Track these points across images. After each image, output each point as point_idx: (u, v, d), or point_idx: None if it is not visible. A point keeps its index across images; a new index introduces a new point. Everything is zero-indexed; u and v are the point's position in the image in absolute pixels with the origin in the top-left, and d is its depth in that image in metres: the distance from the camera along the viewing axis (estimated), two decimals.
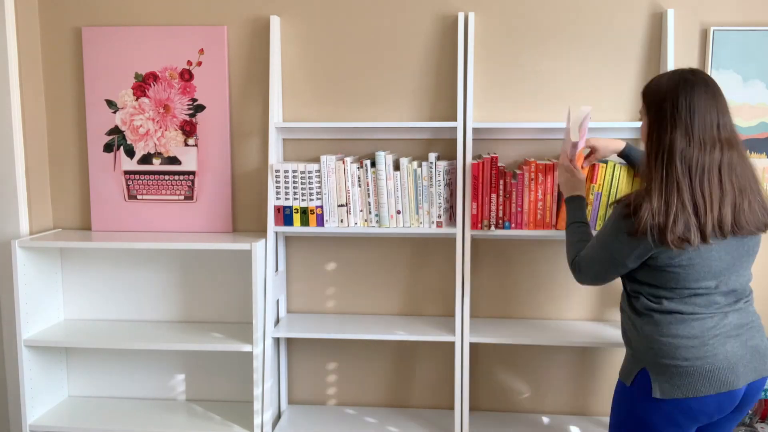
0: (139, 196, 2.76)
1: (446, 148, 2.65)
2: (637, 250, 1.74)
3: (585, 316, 2.71)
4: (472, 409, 2.75)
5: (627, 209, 1.74)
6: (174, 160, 2.73)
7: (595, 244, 1.88)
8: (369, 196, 2.50)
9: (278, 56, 2.62)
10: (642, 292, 1.82)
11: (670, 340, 1.74)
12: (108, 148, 2.75)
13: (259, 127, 2.70)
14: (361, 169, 2.49)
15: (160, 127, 2.71)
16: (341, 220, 2.52)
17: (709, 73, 2.50)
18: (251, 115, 2.70)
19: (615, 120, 2.59)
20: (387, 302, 2.78)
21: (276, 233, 2.65)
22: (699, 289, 1.75)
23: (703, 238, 1.68)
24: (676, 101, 1.71)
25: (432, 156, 2.47)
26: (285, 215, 2.54)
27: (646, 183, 1.75)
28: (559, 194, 2.39)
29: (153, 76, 2.69)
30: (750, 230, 1.74)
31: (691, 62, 2.54)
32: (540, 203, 2.43)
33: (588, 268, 1.90)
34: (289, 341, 2.83)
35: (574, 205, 2.10)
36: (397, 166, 2.49)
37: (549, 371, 2.76)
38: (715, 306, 1.76)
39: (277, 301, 2.72)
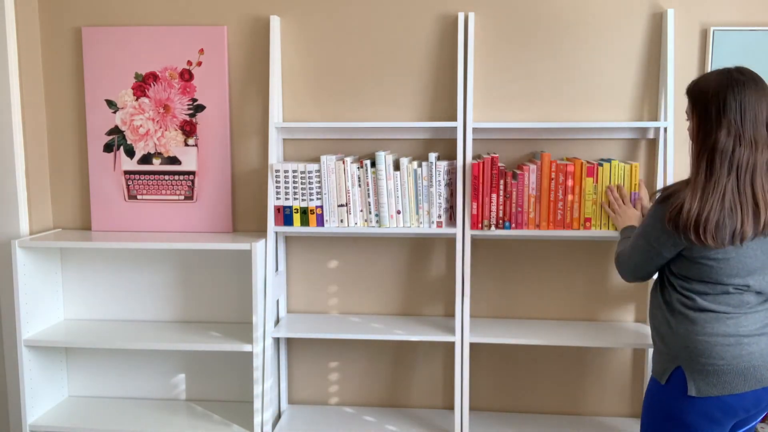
0: (139, 196, 2.76)
1: (446, 148, 2.65)
2: (672, 238, 1.76)
3: (585, 316, 2.71)
4: (472, 409, 2.75)
5: (665, 193, 1.78)
6: (174, 160, 2.73)
7: (635, 236, 1.91)
8: (369, 196, 2.50)
9: (278, 56, 2.62)
10: (675, 286, 1.83)
11: (706, 339, 1.75)
12: (108, 148, 2.75)
13: (259, 127, 2.70)
14: (361, 169, 2.49)
15: (160, 127, 2.71)
16: (341, 220, 2.52)
17: None
18: (251, 115, 2.70)
19: (615, 120, 2.59)
20: (387, 302, 2.78)
21: (276, 233, 2.64)
22: (731, 287, 1.76)
23: (741, 239, 1.69)
24: (724, 101, 1.70)
25: (432, 156, 2.47)
26: (285, 215, 2.54)
27: (691, 179, 1.75)
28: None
29: (153, 76, 2.69)
30: None
31: (691, 62, 2.54)
32: (560, 203, 2.44)
33: (628, 261, 1.95)
34: (289, 341, 2.82)
35: (630, 226, 2.22)
36: (397, 166, 2.49)
37: (549, 371, 2.76)
38: (747, 306, 1.77)
39: (277, 301, 2.72)
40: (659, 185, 2.54)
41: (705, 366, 1.74)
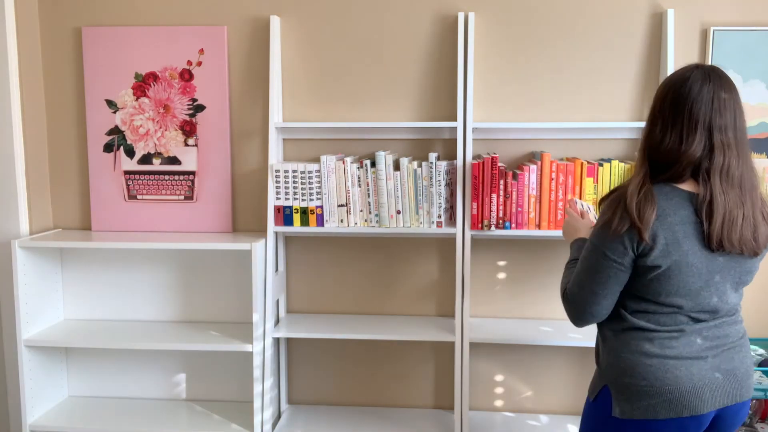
0: (139, 196, 2.76)
1: (446, 148, 2.65)
2: (620, 237, 1.56)
3: None
4: (472, 409, 2.75)
5: (608, 194, 1.68)
6: (174, 160, 2.73)
7: (582, 258, 1.68)
8: (369, 196, 2.50)
9: (278, 56, 2.62)
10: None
11: (630, 356, 1.61)
12: (108, 148, 2.75)
13: (259, 127, 2.70)
14: (361, 169, 2.49)
15: (160, 127, 2.71)
16: (341, 220, 2.52)
17: None
18: (251, 115, 2.70)
19: (615, 120, 2.59)
20: (387, 302, 2.78)
21: (276, 233, 2.65)
22: (665, 306, 1.60)
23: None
24: (665, 94, 1.62)
25: (432, 156, 2.47)
26: (285, 215, 2.54)
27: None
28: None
29: (153, 76, 2.69)
30: (740, 249, 1.56)
31: (691, 62, 2.53)
32: (560, 203, 2.44)
33: (579, 293, 1.67)
34: (289, 341, 2.83)
35: (576, 246, 1.84)
36: (397, 166, 2.49)
37: (549, 371, 2.76)
38: (682, 325, 1.61)
39: (277, 301, 2.72)
40: None
41: (628, 386, 1.60)
